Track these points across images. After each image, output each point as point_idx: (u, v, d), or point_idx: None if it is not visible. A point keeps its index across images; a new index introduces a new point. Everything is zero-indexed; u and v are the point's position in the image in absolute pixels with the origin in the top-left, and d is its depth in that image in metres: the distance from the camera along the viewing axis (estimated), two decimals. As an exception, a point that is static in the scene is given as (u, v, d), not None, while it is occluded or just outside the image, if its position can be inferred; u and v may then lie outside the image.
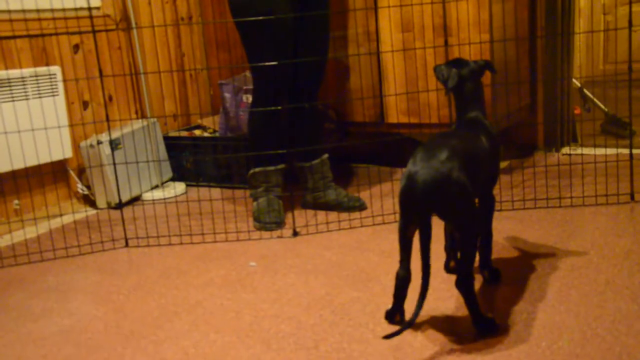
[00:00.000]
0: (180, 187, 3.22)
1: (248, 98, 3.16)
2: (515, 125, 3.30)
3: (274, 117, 2.56)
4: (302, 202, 2.74)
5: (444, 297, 1.82)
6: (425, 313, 1.73)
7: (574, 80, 3.40)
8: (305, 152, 2.65)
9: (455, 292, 1.81)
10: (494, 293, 1.81)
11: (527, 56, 3.27)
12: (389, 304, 1.73)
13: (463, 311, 1.70)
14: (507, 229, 2.32)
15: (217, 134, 3.40)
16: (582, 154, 3.10)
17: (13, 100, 2.68)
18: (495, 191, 2.73)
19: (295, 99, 2.60)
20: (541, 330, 1.60)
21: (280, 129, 2.62)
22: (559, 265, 1.96)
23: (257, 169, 2.60)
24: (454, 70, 1.86)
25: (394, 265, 2.06)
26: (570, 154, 3.17)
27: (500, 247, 2.16)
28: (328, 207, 2.69)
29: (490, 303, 1.75)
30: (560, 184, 2.68)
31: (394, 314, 1.70)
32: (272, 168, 2.60)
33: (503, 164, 3.18)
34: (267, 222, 2.54)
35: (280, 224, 2.55)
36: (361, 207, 2.66)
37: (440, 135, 1.75)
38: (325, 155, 2.72)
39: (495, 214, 2.48)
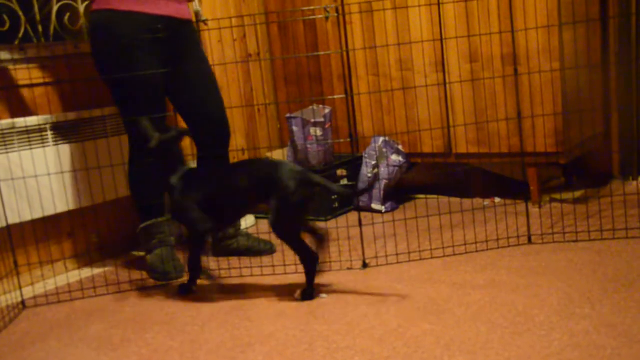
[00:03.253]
0: (249, 219, 3.27)
1: (316, 131, 3.20)
2: (589, 154, 3.21)
3: (149, 172, 2.52)
4: (213, 250, 2.78)
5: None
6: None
7: (650, 106, 3.29)
8: None
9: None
10: (572, 325, 1.75)
11: (600, 83, 3.19)
12: (463, 336, 1.70)
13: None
14: (584, 260, 2.25)
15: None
16: (662, 182, 2.98)
17: (95, 138, 2.81)
18: (570, 221, 2.67)
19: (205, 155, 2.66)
20: (626, 366, 1.53)
21: (155, 182, 2.55)
22: (642, 298, 1.88)
23: (147, 222, 2.58)
24: (157, 135, 2.15)
25: (466, 296, 2.03)
26: (649, 182, 3.06)
27: (577, 279, 2.09)
28: (239, 252, 2.73)
29: (570, 335, 1.70)
30: None
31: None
32: (162, 219, 2.59)
33: (577, 193, 3.09)
34: (166, 271, 2.54)
35: (180, 272, 2.55)
36: (270, 250, 2.73)
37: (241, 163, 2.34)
38: None
39: (571, 245, 2.41)
